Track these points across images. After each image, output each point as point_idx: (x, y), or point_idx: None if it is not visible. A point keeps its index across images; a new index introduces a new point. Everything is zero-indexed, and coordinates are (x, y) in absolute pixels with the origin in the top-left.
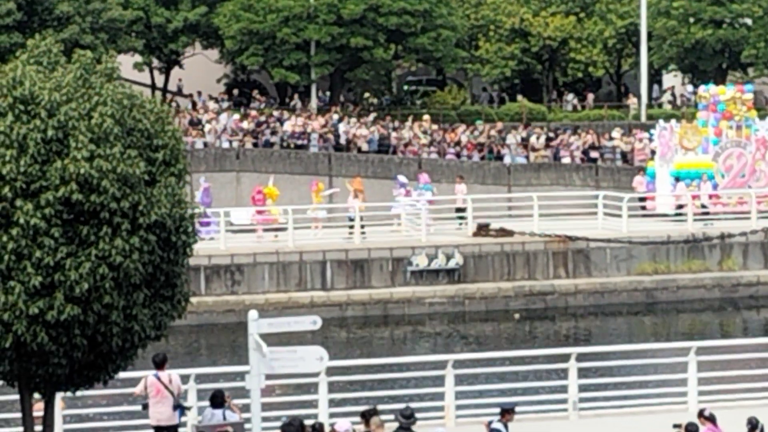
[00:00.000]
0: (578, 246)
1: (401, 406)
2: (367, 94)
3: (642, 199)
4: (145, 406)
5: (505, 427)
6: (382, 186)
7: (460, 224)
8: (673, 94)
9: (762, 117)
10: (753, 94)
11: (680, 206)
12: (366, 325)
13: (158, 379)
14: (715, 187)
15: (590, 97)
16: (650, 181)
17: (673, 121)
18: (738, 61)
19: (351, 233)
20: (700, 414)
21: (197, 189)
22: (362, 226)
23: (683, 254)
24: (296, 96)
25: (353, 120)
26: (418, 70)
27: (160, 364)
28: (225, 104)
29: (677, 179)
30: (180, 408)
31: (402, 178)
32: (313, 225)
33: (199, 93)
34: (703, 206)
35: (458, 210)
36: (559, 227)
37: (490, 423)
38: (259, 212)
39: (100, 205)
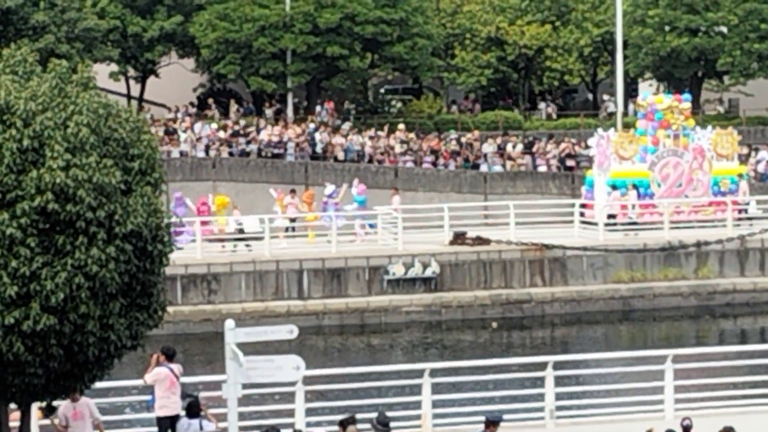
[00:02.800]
0: (555, 254)
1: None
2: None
3: (583, 206)
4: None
5: None
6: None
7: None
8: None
9: (737, 125)
10: (728, 102)
11: (612, 216)
12: (343, 334)
13: (171, 371)
14: (651, 196)
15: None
16: (589, 189)
17: (611, 130)
18: (714, 69)
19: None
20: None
21: (171, 199)
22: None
23: (659, 262)
24: (272, 105)
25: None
26: (394, 78)
27: (171, 356)
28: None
29: (614, 188)
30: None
31: (329, 189)
32: (281, 235)
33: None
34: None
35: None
36: (535, 235)
37: None
38: (204, 222)
39: (76, 215)
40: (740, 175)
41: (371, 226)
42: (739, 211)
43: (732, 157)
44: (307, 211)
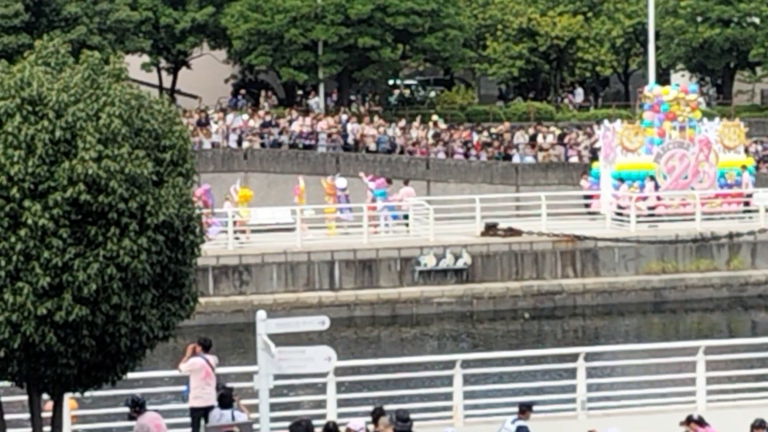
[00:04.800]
0: (586, 245)
1: (410, 406)
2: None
3: (587, 197)
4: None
5: None
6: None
7: (408, 231)
8: None
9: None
10: (761, 92)
11: (621, 207)
12: (374, 325)
13: (207, 362)
14: (657, 188)
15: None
16: (595, 181)
17: (618, 121)
18: (746, 60)
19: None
20: (689, 420)
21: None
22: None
23: (691, 253)
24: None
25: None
26: (425, 69)
27: (208, 347)
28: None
29: (621, 180)
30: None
31: (340, 182)
32: (305, 227)
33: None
34: (650, 208)
35: (404, 217)
36: (567, 227)
37: None
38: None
39: (108, 206)
40: (744, 167)
41: (395, 218)
42: (745, 204)
43: (738, 148)
44: (331, 202)
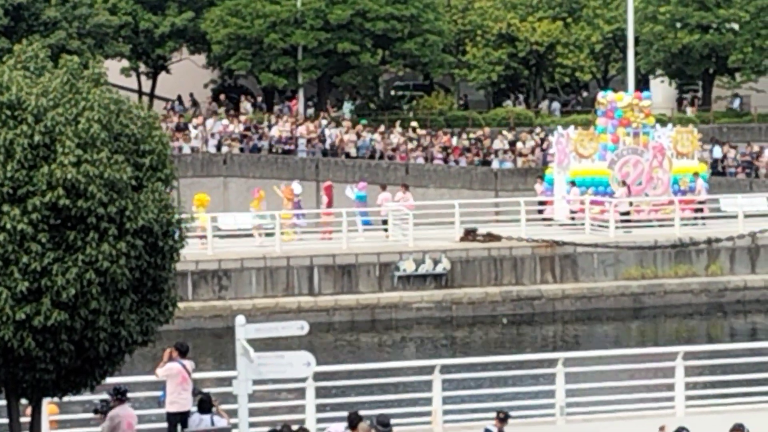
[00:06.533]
0: (565, 251)
1: (389, 411)
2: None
3: (541, 203)
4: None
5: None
6: (370, 191)
7: (387, 236)
8: None
9: (748, 122)
10: (740, 99)
11: (574, 212)
12: (353, 331)
13: (183, 367)
14: (611, 194)
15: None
16: (548, 187)
17: (571, 128)
18: (725, 66)
19: None
20: None
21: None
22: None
23: (670, 259)
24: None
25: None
26: (405, 75)
27: (185, 352)
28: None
29: (572, 185)
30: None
31: (296, 188)
32: (255, 233)
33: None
34: (624, 213)
35: (384, 222)
36: (546, 232)
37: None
38: None
39: (87, 211)
40: (696, 174)
41: (366, 223)
42: (696, 210)
43: (692, 155)
44: (289, 207)
